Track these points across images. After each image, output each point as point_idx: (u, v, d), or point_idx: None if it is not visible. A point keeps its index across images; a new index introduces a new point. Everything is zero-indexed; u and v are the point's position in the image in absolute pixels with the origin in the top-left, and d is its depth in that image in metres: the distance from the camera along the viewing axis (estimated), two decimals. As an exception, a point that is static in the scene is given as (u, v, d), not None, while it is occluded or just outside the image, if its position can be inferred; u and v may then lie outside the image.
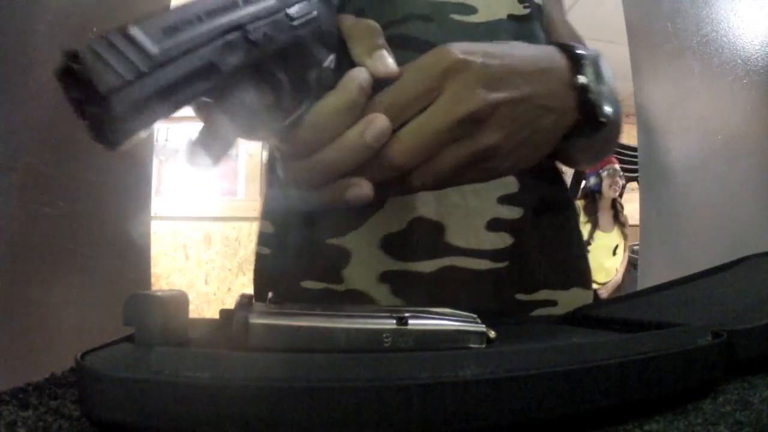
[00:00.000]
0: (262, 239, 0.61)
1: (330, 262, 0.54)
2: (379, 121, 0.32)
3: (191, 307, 0.31)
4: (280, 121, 0.31)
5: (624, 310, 0.45)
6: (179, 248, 2.86)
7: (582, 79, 0.40)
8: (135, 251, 0.91)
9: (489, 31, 0.56)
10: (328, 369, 0.22)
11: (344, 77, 0.32)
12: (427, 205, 0.53)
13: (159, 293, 0.26)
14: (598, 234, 3.21)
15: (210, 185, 2.97)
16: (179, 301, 0.28)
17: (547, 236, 0.58)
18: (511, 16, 0.58)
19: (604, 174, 3.26)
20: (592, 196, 3.28)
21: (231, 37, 0.26)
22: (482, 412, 0.22)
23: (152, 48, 0.23)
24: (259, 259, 0.61)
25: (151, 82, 0.23)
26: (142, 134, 0.23)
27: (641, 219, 1.26)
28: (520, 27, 0.58)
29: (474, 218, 0.54)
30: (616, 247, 3.22)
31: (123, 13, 0.81)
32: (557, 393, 0.23)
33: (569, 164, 0.62)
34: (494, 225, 0.54)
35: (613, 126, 0.45)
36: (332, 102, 0.32)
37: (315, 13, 0.33)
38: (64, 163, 0.73)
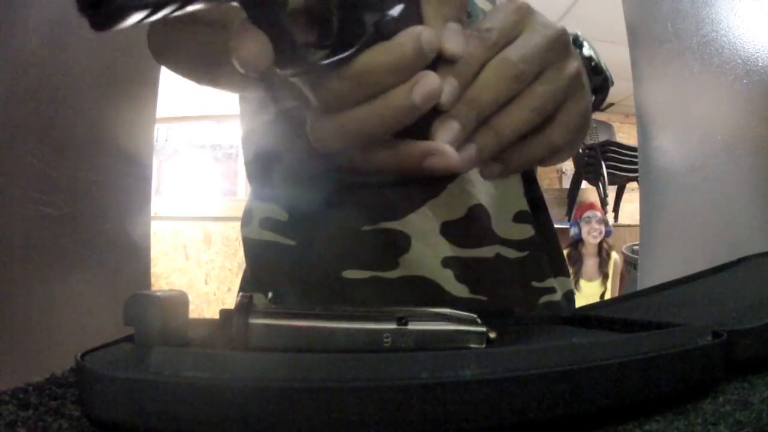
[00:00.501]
0: (274, 227, 0.54)
1: (383, 248, 0.50)
2: (429, 80, 0.27)
3: (191, 307, 0.31)
4: (318, 60, 0.26)
5: (624, 310, 0.45)
6: (179, 248, 2.86)
7: (586, 50, 0.39)
8: (135, 251, 0.91)
9: None
10: (328, 369, 0.22)
11: (404, 32, 0.27)
12: (483, 193, 0.53)
13: (159, 293, 0.26)
14: (582, 282, 3.26)
15: (210, 185, 2.97)
16: (179, 301, 0.28)
17: (546, 229, 0.62)
18: None
19: (582, 222, 3.31)
20: (575, 245, 3.33)
21: None
22: (482, 412, 0.22)
23: None
24: (277, 250, 0.54)
25: None
26: (138, 15, 0.20)
27: (641, 219, 1.26)
28: None
29: (506, 209, 0.56)
30: (603, 294, 3.24)
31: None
32: (557, 393, 0.23)
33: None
34: (519, 217, 0.57)
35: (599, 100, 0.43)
36: (382, 55, 0.27)
37: None
38: (64, 163, 0.73)
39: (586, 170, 3.63)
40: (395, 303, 0.47)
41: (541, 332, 0.40)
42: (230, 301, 2.71)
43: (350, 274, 0.50)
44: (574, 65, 0.32)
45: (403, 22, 0.27)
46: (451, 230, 0.51)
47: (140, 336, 0.24)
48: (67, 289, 0.74)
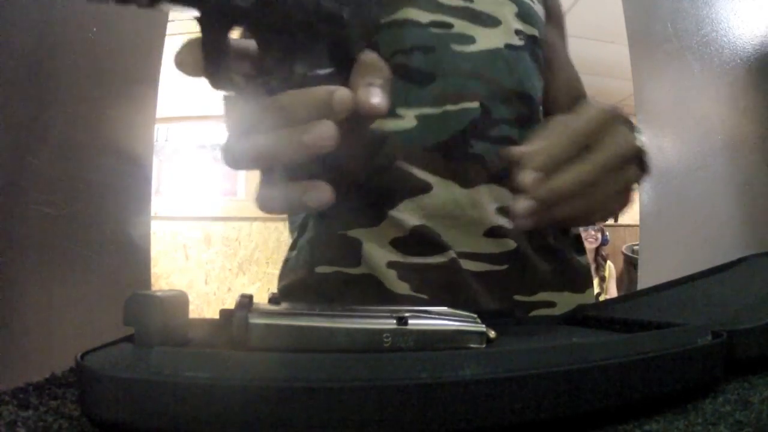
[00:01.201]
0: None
1: (346, 250, 0.60)
2: (324, 126, 0.31)
3: (191, 307, 0.31)
4: (244, 86, 0.32)
5: (624, 310, 0.45)
6: (179, 248, 2.86)
7: (641, 138, 0.44)
8: (135, 251, 0.91)
9: (488, 60, 0.61)
10: (328, 369, 0.22)
11: (323, 86, 0.32)
12: (425, 216, 0.58)
13: (159, 293, 0.26)
14: None
15: (210, 185, 2.97)
16: (179, 301, 0.28)
17: (548, 241, 0.63)
18: (508, 46, 0.62)
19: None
20: None
21: None
22: (482, 412, 0.22)
23: None
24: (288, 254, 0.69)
25: None
26: None
27: (641, 219, 1.26)
28: (517, 55, 0.63)
29: (470, 228, 0.58)
30: (598, 295, 3.27)
31: (118, 12, 0.81)
32: (557, 393, 0.23)
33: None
34: (493, 233, 0.59)
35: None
36: (298, 97, 0.32)
37: (344, 19, 0.33)
38: (64, 163, 0.73)
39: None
40: (357, 296, 0.58)
41: (541, 332, 0.40)
42: (230, 301, 2.71)
43: (321, 269, 0.61)
44: (635, 175, 0.42)
45: (327, 80, 0.32)
46: (398, 243, 0.59)
47: (140, 336, 0.24)
48: (67, 289, 0.74)
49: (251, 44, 0.33)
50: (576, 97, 0.73)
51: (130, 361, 0.22)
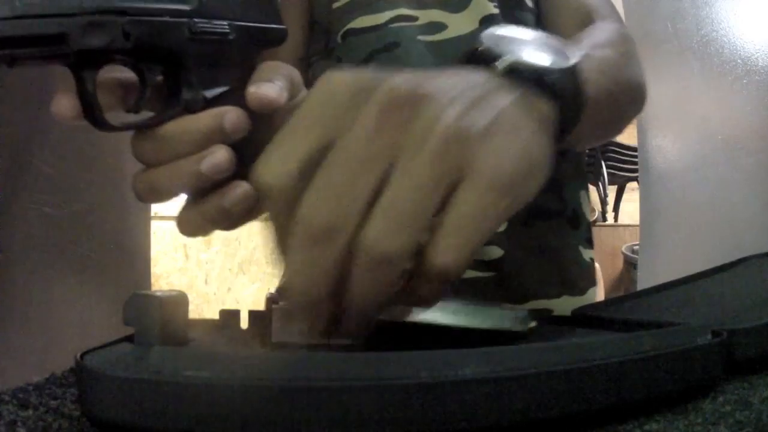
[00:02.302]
0: None
1: None
2: (218, 152, 0.30)
3: (191, 307, 0.31)
4: (131, 120, 0.31)
5: (624, 310, 0.45)
6: (179, 248, 2.85)
7: (502, 62, 0.29)
8: (135, 251, 0.91)
9: (460, 45, 0.56)
10: (328, 369, 0.22)
11: (211, 110, 0.31)
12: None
13: (159, 293, 0.26)
14: None
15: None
16: (179, 301, 0.28)
17: (541, 245, 0.58)
18: (485, 19, 0.57)
19: None
20: None
21: (105, 18, 0.27)
22: (482, 412, 0.22)
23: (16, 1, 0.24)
24: None
25: None
26: None
27: (641, 219, 1.26)
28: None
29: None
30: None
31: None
32: (557, 393, 0.23)
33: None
34: None
35: (592, 90, 0.34)
36: (182, 125, 0.31)
37: (230, 36, 0.31)
38: (64, 163, 0.73)
39: (586, 170, 3.63)
40: None
41: (542, 332, 0.40)
42: (230, 301, 2.71)
43: None
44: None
45: (216, 103, 0.31)
46: None
47: (140, 336, 0.24)
48: (67, 289, 0.74)
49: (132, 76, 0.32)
50: (587, 13, 0.59)
51: (130, 360, 0.22)
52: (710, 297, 0.44)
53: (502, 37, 0.32)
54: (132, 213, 0.90)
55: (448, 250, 0.23)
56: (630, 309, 0.45)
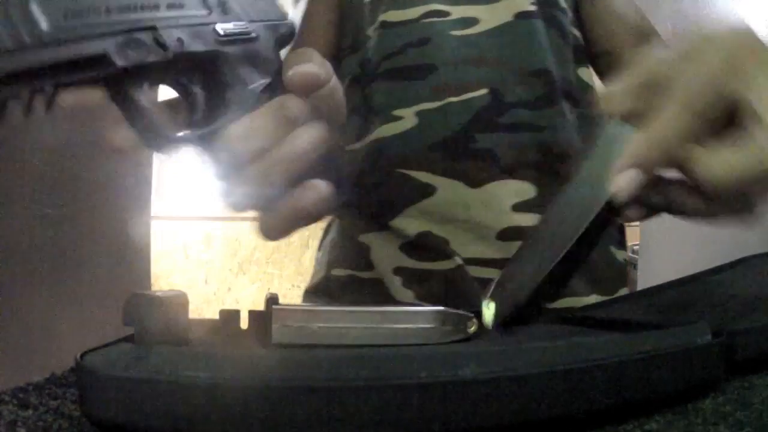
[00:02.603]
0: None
1: (357, 255, 0.60)
2: (311, 130, 0.30)
3: (191, 307, 0.31)
4: (191, 134, 0.30)
5: (624, 310, 0.45)
6: (179, 248, 2.86)
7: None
8: (135, 251, 0.91)
9: (493, 39, 0.57)
10: (327, 369, 0.22)
11: (269, 103, 0.31)
12: (431, 222, 0.56)
13: (159, 293, 0.26)
14: None
15: (210, 185, 2.97)
16: (179, 301, 0.28)
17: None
18: (519, 15, 0.58)
19: None
20: None
21: (138, 35, 0.27)
22: (482, 412, 0.22)
23: (44, 25, 0.23)
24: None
25: (31, 56, 0.23)
26: (14, 106, 0.24)
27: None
28: (529, 25, 0.57)
29: (481, 231, 0.55)
30: None
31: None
32: (557, 393, 0.23)
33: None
34: (507, 234, 0.55)
35: None
36: (250, 120, 0.30)
37: (253, 35, 0.32)
38: (64, 163, 0.73)
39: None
40: (367, 300, 0.57)
41: (541, 332, 0.40)
42: (230, 301, 2.71)
43: (336, 272, 0.61)
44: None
45: (271, 95, 0.31)
46: (407, 248, 0.57)
47: (140, 336, 0.25)
48: (67, 289, 0.74)
49: (175, 97, 0.32)
50: (630, 26, 0.62)
51: (130, 361, 0.22)
52: (710, 297, 0.44)
53: None
54: (132, 213, 0.90)
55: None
56: (630, 309, 0.45)
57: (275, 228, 0.32)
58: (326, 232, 0.67)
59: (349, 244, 0.61)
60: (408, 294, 0.56)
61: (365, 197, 0.58)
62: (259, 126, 0.30)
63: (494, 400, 0.22)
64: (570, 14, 0.63)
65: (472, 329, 0.31)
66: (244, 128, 0.30)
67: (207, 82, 0.31)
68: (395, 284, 0.56)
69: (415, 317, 0.31)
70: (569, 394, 0.23)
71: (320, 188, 0.31)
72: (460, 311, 0.31)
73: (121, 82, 0.27)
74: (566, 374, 0.23)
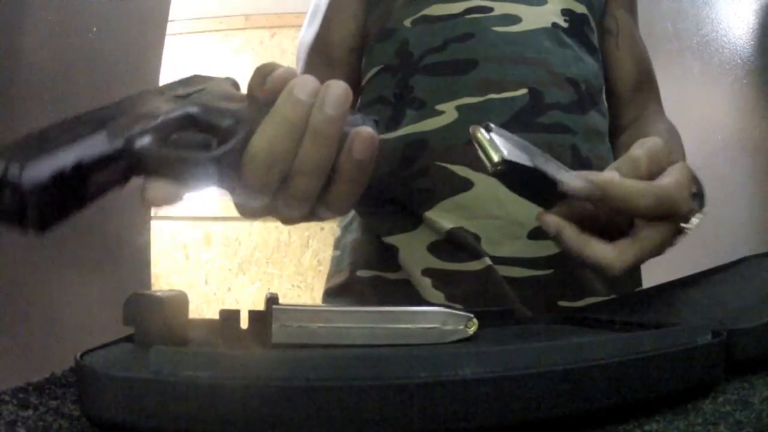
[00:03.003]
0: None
1: (383, 256, 0.60)
2: (333, 88, 0.29)
3: (191, 307, 0.31)
4: (211, 157, 0.29)
5: (624, 310, 0.45)
6: (179, 248, 2.86)
7: (694, 223, 0.43)
8: (135, 251, 0.91)
9: (535, 39, 0.58)
10: (327, 368, 0.22)
11: (281, 95, 0.30)
12: (465, 217, 0.56)
13: (159, 293, 0.26)
14: None
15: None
16: (179, 301, 0.28)
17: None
18: (555, 25, 0.60)
19: None
20: None
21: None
22: (482, 412, 0.22)
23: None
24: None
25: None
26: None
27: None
28: (564, 36, 0.60)
29: (513, 228, 0.55)
30: None
31: (118, 12, 0.81)
32: (557, 393, 0.23)
33: None
34: (538, 234, 0.55)
35: None
36: (271, 126, 0.29)
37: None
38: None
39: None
40: (396, 301, 0.56)
41: (541, 332, 0.40)
42: (230, 301, 2.70)
43: (362, 273, 0.61)
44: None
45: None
46: (435, 248, 0.57)
47: (140, 336, 0.25)
48: (67, 289, 0.74)
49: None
50: (642, 77, 0.68)
51: (130, 360, 0.22)
52: (710, 297, 0.44)
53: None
54: (132, 213, 0.90)
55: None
56: (630, 309, 0.45)
57: (340, 199, 0.32)
58: (345, 231, 0.66)
59: (374, 244, 0.60)
60: (439, 295, 0.56)
61: (400, 189, 0.58)
62: (278, 123, 0.29)
63: (494, 400, 0.22)
64: (596, 33, 0.65)
65: (472, 329, 0.31)
66: (265, 136, 0.29)
67: (203, 126, 0.31)
68: (425, 286, 0.56)
69: (415, 317, 0.31)
70: (569, 394, 0.23)
71: (367, 131, 0.30)
72: (461, 311, 0.31)
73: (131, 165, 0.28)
74: (566, 374, 0.23)
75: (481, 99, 0.56)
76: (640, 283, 0.63)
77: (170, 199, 0.29)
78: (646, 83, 0.69)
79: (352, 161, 0.30)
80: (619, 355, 0.25)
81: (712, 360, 0.28)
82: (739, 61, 0.94)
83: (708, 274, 0.50)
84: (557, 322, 0.46)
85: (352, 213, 0.65)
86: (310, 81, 0.29)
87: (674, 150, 0.56)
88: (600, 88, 0.63)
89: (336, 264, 0.66)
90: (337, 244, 0.67)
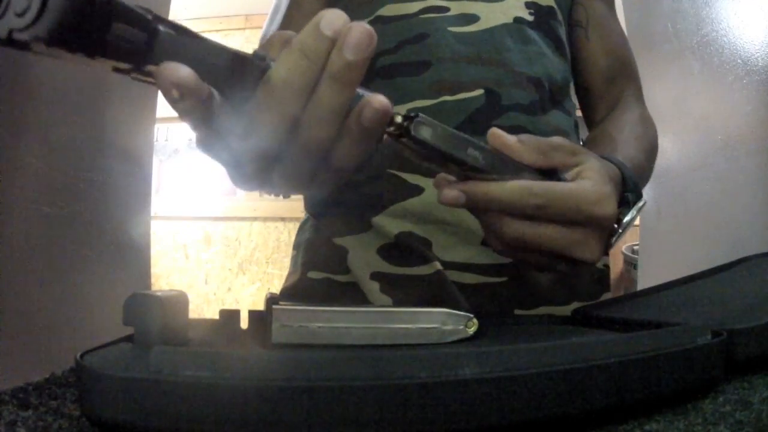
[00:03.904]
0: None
1: (333, 258, 0.58)
2: (355, 31, 0.27)
3: (191, 307, 0.31)
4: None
5: (624, 310, 0.45)
6: (179, 248, 2.86)
7: (626, 218, 0.41)
8: (135, 251, 0.91)
9: (494, 39, 0.56)
10: (327, 369, 0.21)
11: (303, 30, 0.28)
12: (414, 222, 0.55)
13: (159, 293, 0.26)
14: None
15: (210, 185, 2.97)
16: (179, 301, 0.28)
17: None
18: (519, 20, 0.57)
19: None
20: None
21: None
22: (482, 412, 0.22)
23: None
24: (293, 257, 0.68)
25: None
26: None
27: (641, 219, 1.26)
28: (526, 33, 0.57)
29: (465, 235, 0.54)
30: None
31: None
32: (557, 393, 0.23)
33: None
34: None
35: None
36: (288, 54, 0.28)
37: None
38: (64, 163, 0.73)
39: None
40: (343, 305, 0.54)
41: (541, 332, 0.40)
42: (230, 301, 2.71)
43: (312, 274, 0.60)
44: (597, 250, 0.38)
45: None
46: (385, 251, 0.56)
47: (140, 336, 0.24)
48: (67, 289, 0.74)
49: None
50: (616, 68, 0.65)
51: (130, 360, 0.22)
52: (710, 297, 0.44)
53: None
54: (132, 213, 0.90)
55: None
56: (630, 309, 0.45)
57: (348, 157, 0.30)
58: (300, 230, 0.65)
59: (325, 246, 0.59)
60: (386, 300, 0.55)
61: (350, 193, 0.57)
62: (298, 55, 0.27)
63: (494, 400, 0.22)
64: (564, 25, 0.63)
65: (472, 329, 0.31)
66: (284, 66, 0.27)
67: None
68: (373, 290, 0.55)
69: (415, 317, 0.31)
70: (569, 393, 0.23)
71: (378, 99, 0.29)
72: (461, 312, 0.31)
73: None
74: (566, 374, 0.23)
75: (434, 101, 0.54)
76: (607, 287, 0.62)
77: (188, 85, 0.26)
78: (621, 74, 0.65)
79: (359, 126, 0.29)
80: (619, 355, 0.25)
81: (712, 360, 0.28)
82: (739, 61, 0.94)
83: (708, 274, 0.50)
84: (557, 322, 0.46)
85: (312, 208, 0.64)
86: (340, 17, 0.27)
87: (626, 143, 0.53)
88: (566, 85, 0.61)
89: (292, 264, 0.65)
90: (294, 244, 0.66)
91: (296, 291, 0.60)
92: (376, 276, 0.56)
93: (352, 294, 0.56)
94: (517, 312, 0.56)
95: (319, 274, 0.59)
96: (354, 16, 0.65)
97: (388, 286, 0.55)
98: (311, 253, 0.61)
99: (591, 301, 0.59)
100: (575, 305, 0.57)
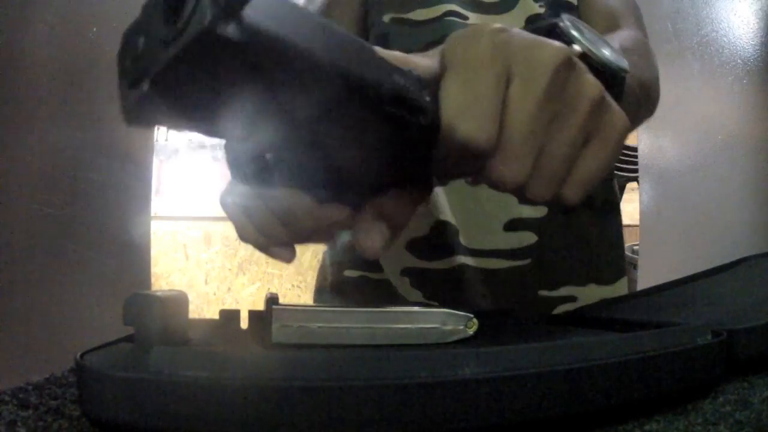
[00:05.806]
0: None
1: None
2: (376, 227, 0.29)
3: (191, 307, 0.31)
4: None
5: (624, 310, 0.44)
6: (179, 248, 2.86)
7: (577, 47, 0.31)
8: (135, 251, 0.91)
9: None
10: (327, 369, 0.21)
11: None
12: (444, 211, 0.58)
13: (159, 293, 0.26)
14: None
15: (210, 185, 2.98)
16: (179, 301, 0.28)
17: (576, 232, 0.60)
18: (530, 19, 0.60)
19: None
20: None
21: None
22: (482, 412, 0.22)
23: None
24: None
25: None
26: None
27: (641, 219, 1.26)
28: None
29: (489, 221, 0.57)
30: None
31: (119, 12, 0.81)
32: (557, 392, 0.23)
33: None
34: (513, 225, 0.57)
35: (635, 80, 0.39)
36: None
37: None
38: (64, 163, 0.73)
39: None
40: (379, 301, 0.59)
41: (541, 332, 0.40)
42: (230, 301, 2.71)
43: (348, 273, 0.63)
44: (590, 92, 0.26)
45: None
46: (415, 245, 0.59)
47: (140, 336, 0.24)
48: (67, 289, 0.74)
49: None
50: (611, 25, 0.61)
51: (130, 360, 0.22)
52: (710, 297, 0.44)
53: (579, 25, 0.33)
54: (132, 213, 0.90)
55: None
56: (630, 309, 0.45)
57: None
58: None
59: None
60: (417, 294, 0.58)
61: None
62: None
63: (494, 400, 0.22)
64: (578, 11, 0.63)
65: (472, 329, 0.31)
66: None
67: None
68: (404, 285, 0.58)
69: (415, 317, 0.31)
70: (569, 393, 0.23)
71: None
72: (461, 311, 0.31)
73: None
74: (566, 374, 0.23)
75: None
76: (623, 272, 0.63)
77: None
78: (622, 22, 0.61)
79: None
80: (619, 355, 0.25)
81: (712, 360, 0.28)
82: (739, 61, 0.94)
83: (708, 274, 0.50)
84: (557, 322, 0.46)
85: None
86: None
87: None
88: None
89: (329, 262, 0.67)
90: (332, 243, 0.68)
91: (333, 288, 0.64)
92: (405, 272, 0.59)
93: (385, 290, 0.60)
94: (542, 294, 0.58)
95: (355, 273, 0.63)
96: (379, 12, 0.64)
97: (417, 281, 0.58)
98: (348, 253, 0.64)
99: (608, 284, 0.61)
100: (592, 287, 0.60)
